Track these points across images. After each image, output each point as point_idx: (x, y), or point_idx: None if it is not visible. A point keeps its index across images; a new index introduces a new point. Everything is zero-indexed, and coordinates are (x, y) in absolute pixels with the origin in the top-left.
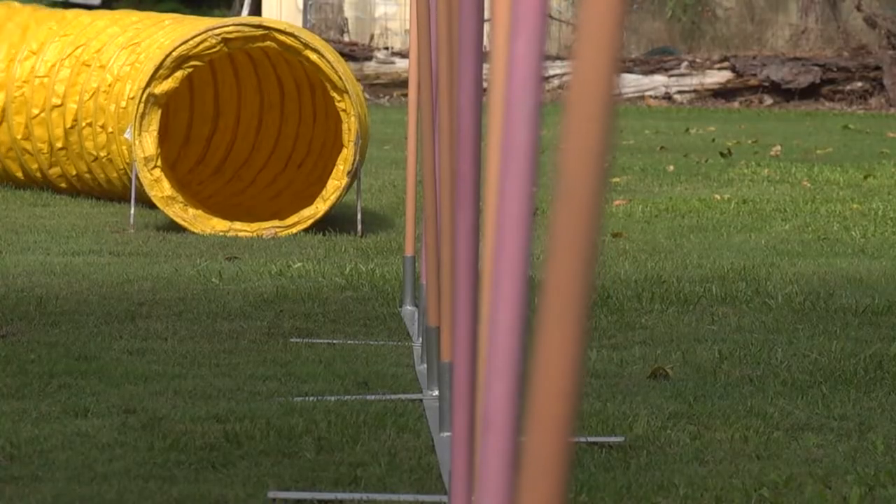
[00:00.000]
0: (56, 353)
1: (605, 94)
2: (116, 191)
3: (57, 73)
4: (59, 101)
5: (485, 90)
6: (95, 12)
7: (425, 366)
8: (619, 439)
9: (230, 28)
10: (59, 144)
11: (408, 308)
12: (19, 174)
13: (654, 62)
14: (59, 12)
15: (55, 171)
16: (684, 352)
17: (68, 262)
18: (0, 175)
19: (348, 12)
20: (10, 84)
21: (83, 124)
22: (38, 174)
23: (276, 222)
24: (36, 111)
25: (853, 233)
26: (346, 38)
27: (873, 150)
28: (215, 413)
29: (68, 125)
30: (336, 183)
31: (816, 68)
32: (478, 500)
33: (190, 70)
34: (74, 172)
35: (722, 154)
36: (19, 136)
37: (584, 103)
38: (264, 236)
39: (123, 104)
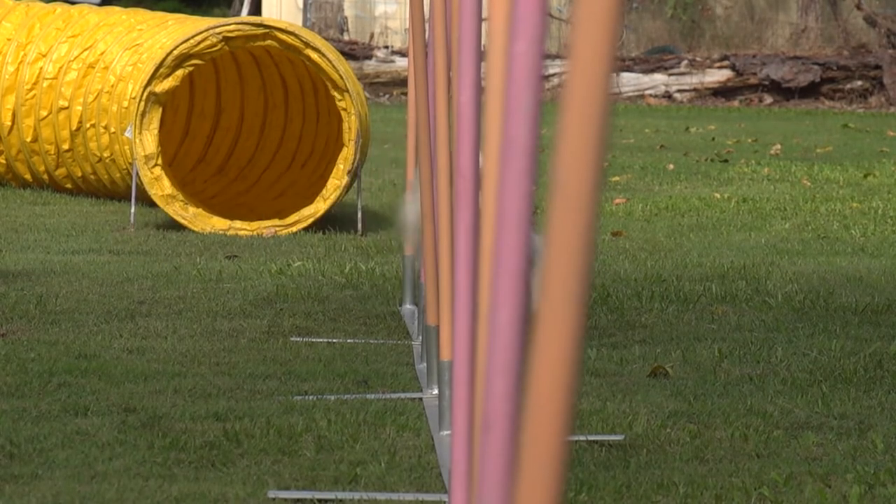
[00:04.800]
0: (56, 352)
1: (601, 92)
2: (120, 191)
3: (65, 74)
4: (65, 104)
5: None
6: (102, 10)
7: (425, 364)
8: (619, 438)
9: (231, 27)
10: (65, 146)
11: (408, 307)
12: (27, 176)
13: (654, 61)
14: (65, 11)
15: (61, 171)
16: (684, 350)
17: (68, 260)
18: (9, 177)
19: (348, 11)
20: (20, 87)
21: (87, 125)
22: (45, 176)
23: (276, 221)
24: (44, 113)
25: (853, 231)
26: (345, 37)
27: (873, 148)
28: (215, 412)
29: (74, 127)
30: (336, 182)
31: (816, 67)
32: (477, 499)
33: (191, 68)
34: (80, 174)
35: (722, 160)
36: (28, 139)
37: (580, 101)
38: (264, 235)
39: (125, 104)
